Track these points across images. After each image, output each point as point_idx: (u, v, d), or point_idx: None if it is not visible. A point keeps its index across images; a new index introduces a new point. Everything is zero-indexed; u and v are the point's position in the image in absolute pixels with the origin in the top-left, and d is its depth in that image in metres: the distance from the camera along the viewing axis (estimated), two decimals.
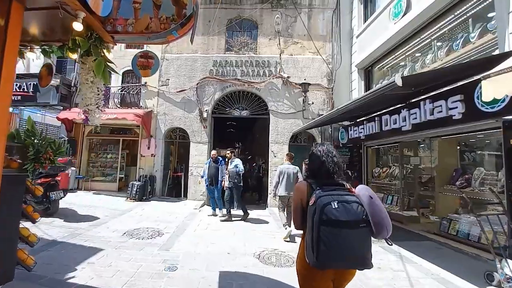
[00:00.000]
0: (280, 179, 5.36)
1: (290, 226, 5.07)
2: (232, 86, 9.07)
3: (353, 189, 1.67)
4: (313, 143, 9.01)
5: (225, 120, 11.03)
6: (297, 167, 5.55)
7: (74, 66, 9.51)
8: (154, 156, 9.02)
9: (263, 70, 9.06)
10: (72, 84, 9.41)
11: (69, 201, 7.26)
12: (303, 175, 5.56)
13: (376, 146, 8.17)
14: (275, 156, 8.67)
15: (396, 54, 7.18)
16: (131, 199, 7.88)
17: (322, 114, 8.44)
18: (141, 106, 9.22)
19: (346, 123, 8.40)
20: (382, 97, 4.80)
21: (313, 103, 8.74)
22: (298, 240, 4.84)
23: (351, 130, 7.57)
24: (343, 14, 9.06)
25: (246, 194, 10.41)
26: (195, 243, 4.44)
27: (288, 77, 8.82)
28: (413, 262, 4.16)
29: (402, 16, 6.21)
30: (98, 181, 9.42)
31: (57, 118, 8.65)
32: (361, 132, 7.00)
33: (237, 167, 6.11)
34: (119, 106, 9.21)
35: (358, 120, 7.52)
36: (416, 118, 4.89)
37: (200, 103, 9.05)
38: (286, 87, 8.94)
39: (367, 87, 8.32)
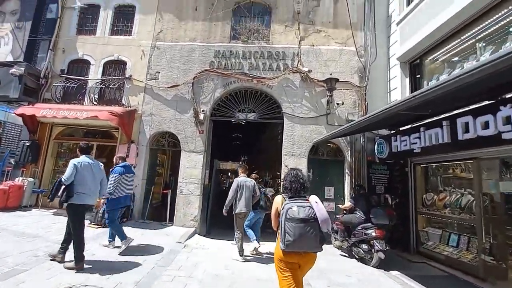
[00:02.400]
0: (239, 194, 4.83)
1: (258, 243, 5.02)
2: (237, 82, 7.20)
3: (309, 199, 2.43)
4: (339, 155, 6.96)
5: (227, 125, 9.09)
6: (253, 180, 5.15)
7: (47, 53, 7.81)
8: (134, 167, 7.06)
9: (277, 63, 7.20)
10: (42, 75, 7.66)
11: (5, 225, 5.31)
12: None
13: (427, 164, 6.08)
14: None
15: (462, 38, 5.25)
16: (94, 225, 5.85)
17: (352, 120, 6.49)
18: (123, 104, 7.38)
19: (384, 131, 6.39)
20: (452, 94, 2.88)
21: (343, 103, 6.73)
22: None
23: (395, 141, 5.52)
24: None
25: None
26: None
27: (309, 71, 6.93)
28: None
29: None
30: None
31: (15, 113, 6.84)
32: (415, 143, 4.94)
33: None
34: (95, 103, 7.37)
35: (406, 127, 5.51)
36: None
37: (196, 102, 7.17)
38: (306, 85, 7.02)
39: (414, 85, 6.35)
